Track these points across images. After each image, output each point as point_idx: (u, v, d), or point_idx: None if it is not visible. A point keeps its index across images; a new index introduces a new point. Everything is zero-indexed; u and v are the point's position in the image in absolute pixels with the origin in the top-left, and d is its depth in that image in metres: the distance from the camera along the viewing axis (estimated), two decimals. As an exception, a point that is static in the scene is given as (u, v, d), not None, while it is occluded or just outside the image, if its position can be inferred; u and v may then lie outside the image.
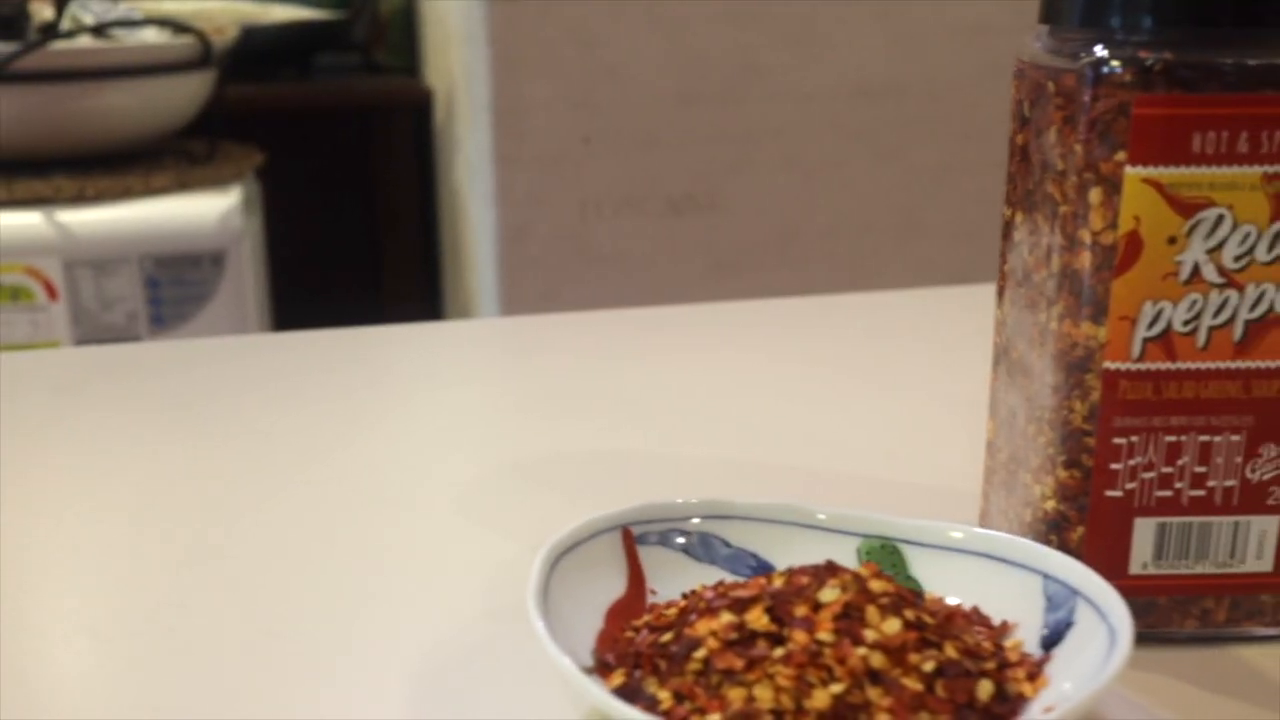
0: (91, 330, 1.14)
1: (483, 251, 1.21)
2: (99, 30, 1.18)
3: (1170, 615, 0.35)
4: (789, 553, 0.36)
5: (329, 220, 1.66)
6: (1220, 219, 0.32)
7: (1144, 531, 0.34)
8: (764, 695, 0.28)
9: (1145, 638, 0.35)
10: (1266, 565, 0.34)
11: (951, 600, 0.34)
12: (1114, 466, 0.34)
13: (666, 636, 0.31)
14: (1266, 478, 0.34)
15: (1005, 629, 0.33)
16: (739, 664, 0.29)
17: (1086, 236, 0.33)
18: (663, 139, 1.16)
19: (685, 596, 0.34)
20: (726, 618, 0.30)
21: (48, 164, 1.19)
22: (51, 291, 1.12)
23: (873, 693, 0.28)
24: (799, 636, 0.29)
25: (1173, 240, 0.32)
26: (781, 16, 1.15)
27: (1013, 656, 0.31)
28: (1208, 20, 0.32)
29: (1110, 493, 0.34)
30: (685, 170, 1.17)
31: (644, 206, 1.17)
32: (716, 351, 0.64)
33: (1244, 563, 0.34)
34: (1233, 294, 0.32)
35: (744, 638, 0.29)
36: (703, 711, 0.28)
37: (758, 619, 0.30)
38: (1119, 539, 0.34)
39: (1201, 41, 0.32)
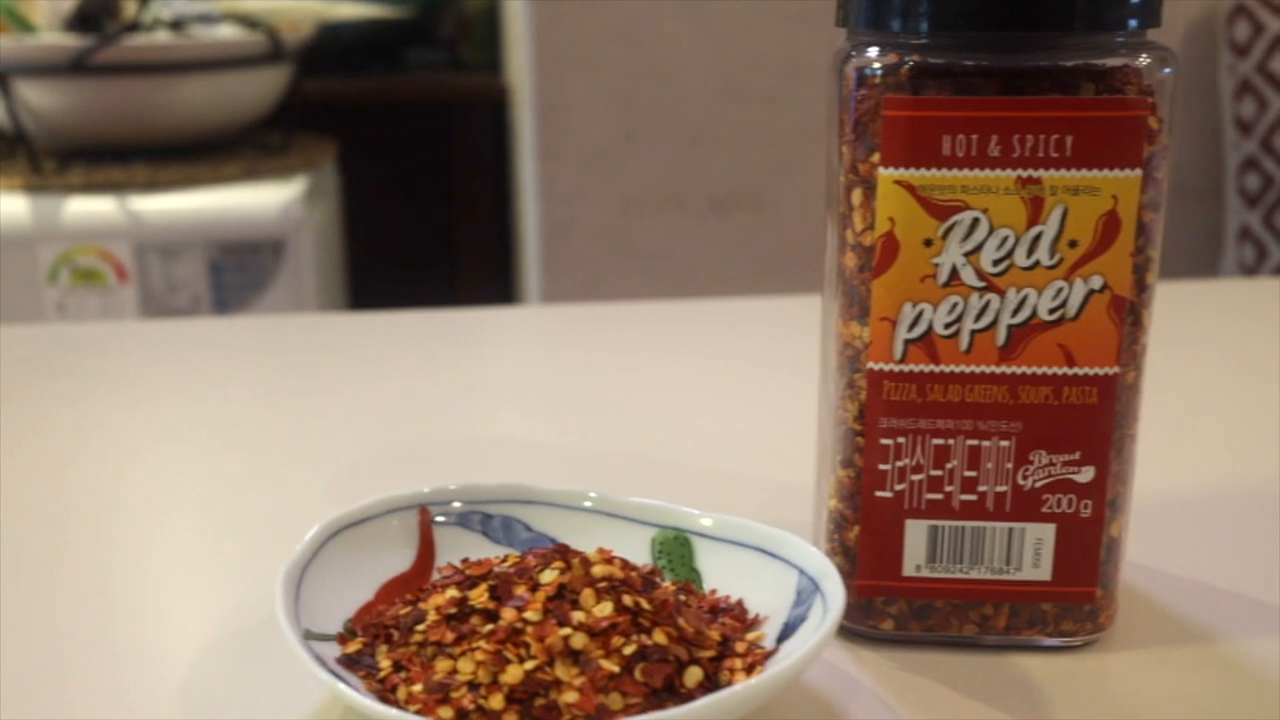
0: (158, 312, 1.20)
1: (529, 244, 1.24)
2: (176, 25, 1.24)
3: (949, 619, 0.35)
4: (587, 540, 0.36)
5: (409, 211, 1.71)
6: (976, 222, 0.32)
7: (916, 533, 0.34)
8: (465, 668, 0.29)
9: (924, 641, 0.35)
10: (1045, 574, 0.34)
11: (723, 591, 0.35)
12: (882, 467, 0.34)
13: (405, 609, 0.32)
14: (1039, 485, 0.33)
15: (755, 622, 0.33)
16: (450, 637, 0.30)
17: (851, 237, 0.33)
18: (705, 137, 1.16)
19: (460, 575, 0.35)
20: (451, 594, 0.31)
21: (129, 152, 1.26)
22: (121, 274, 1.19)
23: (566, 671, 0.29)
24: (508, 614, 0.30)
25: (929, 242, 0.32)
26: (827, 14, 1.14)
27: (741, 648, 0.31)
28: (977, 23, 0.32)
29: (880, 493, 0.34)
30: (728, 169, 1.18)
31: (685, 204, 1.18)
32: (717, 350, 0.64)
33: (1020, 570, 0.34)
34: (994, 298, 0.32)
35: (462, 613, 0.31)
36: (411, 681, 0.30)
37: (479, 596, 0.31)
38: (891, 540, 0.34)
39: (970, 45, 0.32)
